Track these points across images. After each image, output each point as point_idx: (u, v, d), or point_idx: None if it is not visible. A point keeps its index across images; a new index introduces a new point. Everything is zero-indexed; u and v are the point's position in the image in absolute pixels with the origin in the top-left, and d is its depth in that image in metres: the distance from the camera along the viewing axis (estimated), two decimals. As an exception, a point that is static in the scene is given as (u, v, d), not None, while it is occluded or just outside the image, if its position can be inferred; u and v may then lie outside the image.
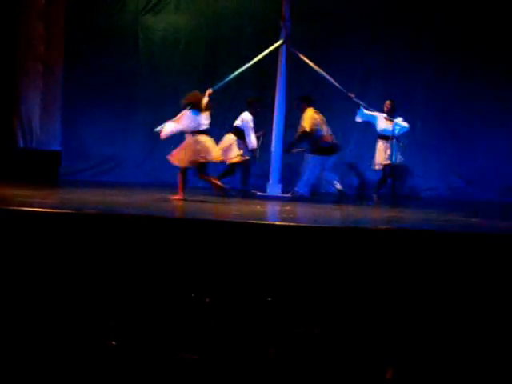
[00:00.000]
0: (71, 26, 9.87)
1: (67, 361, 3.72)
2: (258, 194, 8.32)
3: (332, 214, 6.73)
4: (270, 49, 8.44)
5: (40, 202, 5.95)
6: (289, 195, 8.36)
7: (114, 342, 3.89)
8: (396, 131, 8.62)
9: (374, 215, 6.81)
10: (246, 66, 8.46)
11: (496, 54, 9.55)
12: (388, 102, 8.86)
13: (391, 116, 8.73)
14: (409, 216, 6.91)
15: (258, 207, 6.99)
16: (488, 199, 9.55)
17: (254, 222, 5.44)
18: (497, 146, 9.67)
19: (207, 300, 4.35)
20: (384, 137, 8.76)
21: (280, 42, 8.43)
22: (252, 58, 8.53)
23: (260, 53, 8.53)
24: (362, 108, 8.68)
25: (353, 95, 8.58)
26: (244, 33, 9.82)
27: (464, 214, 7.16)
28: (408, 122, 9.16)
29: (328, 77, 8.44)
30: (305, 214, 6.84)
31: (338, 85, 8.46)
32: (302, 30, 9.28)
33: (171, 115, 8.57)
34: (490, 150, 9.69)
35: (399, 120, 8.74)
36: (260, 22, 9.64)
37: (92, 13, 9.88)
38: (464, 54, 9.69)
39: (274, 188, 8.44)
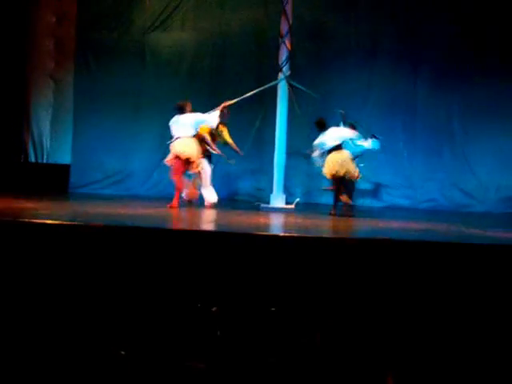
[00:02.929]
0: (81, 43, 10.06)
1: (77, 371, 3.78)
2: (262, 205, 8.41)
3: (332, 225, 6.84)
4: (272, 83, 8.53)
5: (50, 215, 6.04)
6: (292, 206, 8.45)
7: (122, 352, 3.94)
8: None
9: (373, 226, 6.91)
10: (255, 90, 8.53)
11: (495, 69, 9.66)
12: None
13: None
14: (410, 226, 7.01)
15: (262, 219, 7.09)
16: (486, 211, 9.63)
17: (258, 233, 5.58)
18: (494, 157, 9.76)
19: (214, 310, 4.47)
20: None
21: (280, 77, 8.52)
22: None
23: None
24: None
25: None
26: (248, 49, 9.97)
27: (461, 224, 7.27)
28: (408, 135, 9.33)
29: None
30: (308, 225, 6.95)
31: None
32: (303, 47, 9.49)
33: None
34: (488, 162, 9.77)
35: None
36: (264, 39, 9.78)
37: (101, 30, 10.06)
38: (464, 68, 9.82)
39: (277, 199, 8.52)
